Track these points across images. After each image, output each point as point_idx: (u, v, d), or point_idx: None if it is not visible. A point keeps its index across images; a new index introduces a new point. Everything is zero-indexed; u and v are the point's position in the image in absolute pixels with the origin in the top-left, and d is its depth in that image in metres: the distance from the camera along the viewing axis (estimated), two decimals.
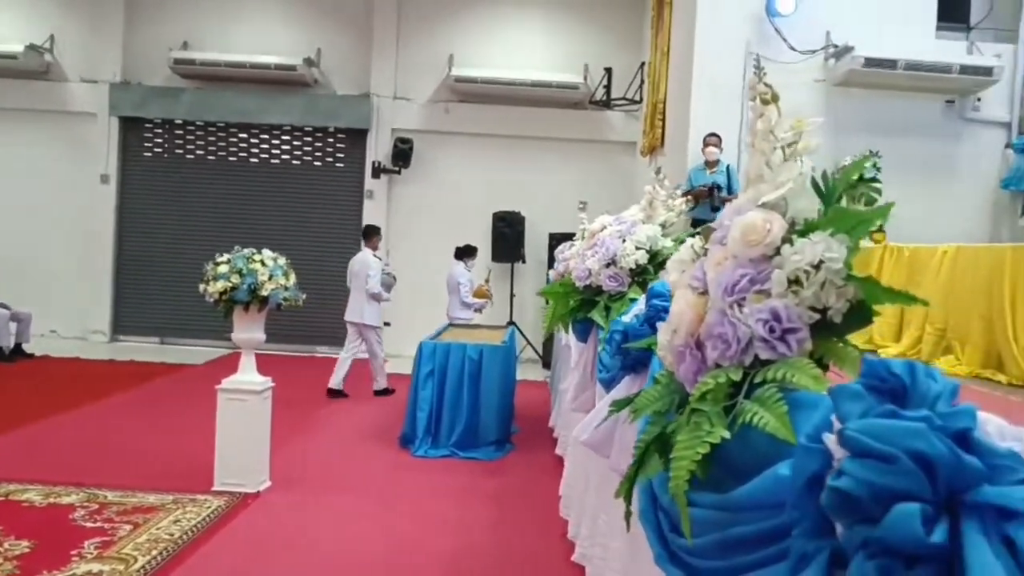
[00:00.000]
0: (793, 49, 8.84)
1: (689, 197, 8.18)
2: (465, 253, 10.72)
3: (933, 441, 0.72)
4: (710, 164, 8.44)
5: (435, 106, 13.30)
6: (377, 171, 13.17)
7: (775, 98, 1.60)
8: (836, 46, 8.74)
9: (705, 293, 1.53)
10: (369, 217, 13.19)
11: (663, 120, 10.56)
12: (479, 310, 10.62)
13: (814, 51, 8.90)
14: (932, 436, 0.73)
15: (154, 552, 4.46)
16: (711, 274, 1.52)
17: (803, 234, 1.45)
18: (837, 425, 0.84)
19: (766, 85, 1.61)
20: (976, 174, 9.03)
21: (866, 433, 0.76)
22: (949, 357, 5.64)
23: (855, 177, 7.99)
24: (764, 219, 1.46)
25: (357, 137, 13.38)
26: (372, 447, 7.28)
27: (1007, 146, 8.95)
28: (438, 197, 13.30)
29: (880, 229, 7.98)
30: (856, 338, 4.75)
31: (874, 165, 8.07)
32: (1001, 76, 8.62)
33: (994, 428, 0.79)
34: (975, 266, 5.64)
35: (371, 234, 9.86)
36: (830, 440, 0.83)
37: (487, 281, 11.00)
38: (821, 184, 1.54)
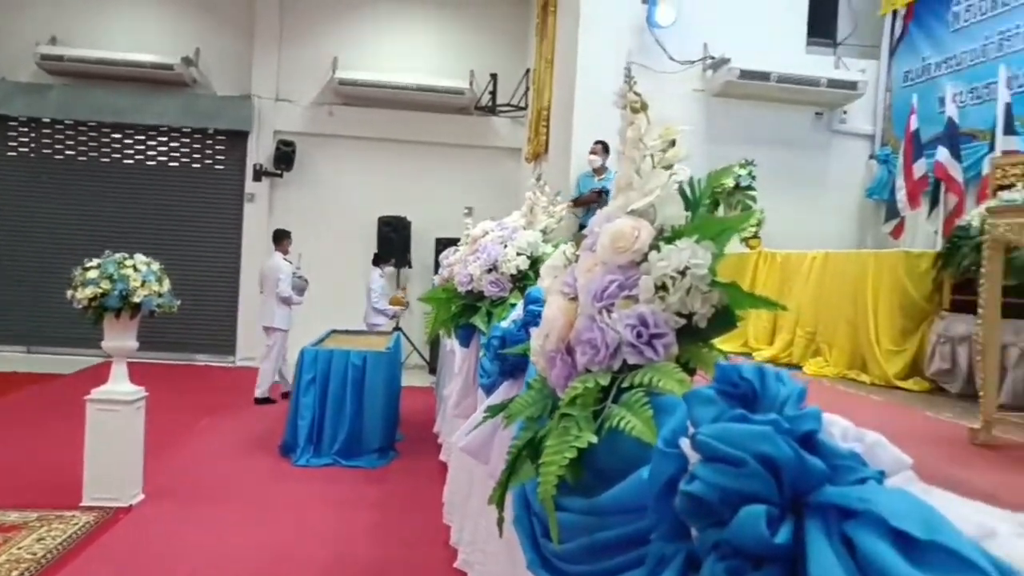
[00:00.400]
0: (673, 60, 9.06)
1: (571, 203, 8.32)
2: (380, 259, 10.78)
3: (779, 444, 0.74)
4: (597, 171, 8.56)
5: (319, 108, 13.09)
6: (258, 174, 12.87)
7: (644, 107, 1.63)
8: (713, 58, 9.00)
9: (576, 299, 1.55)
10: (250, 221, 12.88)
11: (547, 127, 10.67)
12: (394, 316, 10.55)
13: (693, 62, 9.14)
14: (778, 439, 0.75)
15: (14, 574, 4.23)
16: (581, 280, 1.54)
17: (670, 241, 1.48)
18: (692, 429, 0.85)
19: (635, 94, 1.64)
20: (843, 183, 9.44)
21: (716, 437, 0.77)
22: (818, 359, 5.87)
23: (731, 185, 8.27)
24: (633, 226, 1.48)
25: (237, 139, 13.04)
26: (251, 457, 7.10)
27: (871, 157, 9.40)
28: (322, 201, 13.08)
29: (755, 235, 8.27)
30: (732, 342, 4.95)
31: (749, 173, 8.33)
32: (865, 90, 9.05)
33: (838, 430, 0.82)
34: (842, 272, 5.88)
35: (281, 238, 9.84)
36: (685, 444, 0.84)
37: (403, 288, 10.90)
38: (688, 192, 1.57)
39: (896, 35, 9.33)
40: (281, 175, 12.90)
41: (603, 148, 8.56)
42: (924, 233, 7.69)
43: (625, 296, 1.44)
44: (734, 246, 8.23)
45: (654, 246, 1.46)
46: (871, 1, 9.84)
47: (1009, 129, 6.38)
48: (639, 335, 1.39)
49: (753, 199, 8.27)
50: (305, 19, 13.07)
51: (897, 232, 7.64)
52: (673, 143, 1.59)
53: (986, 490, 2.67)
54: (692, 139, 9.04)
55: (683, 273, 1.41)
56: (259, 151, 12.94)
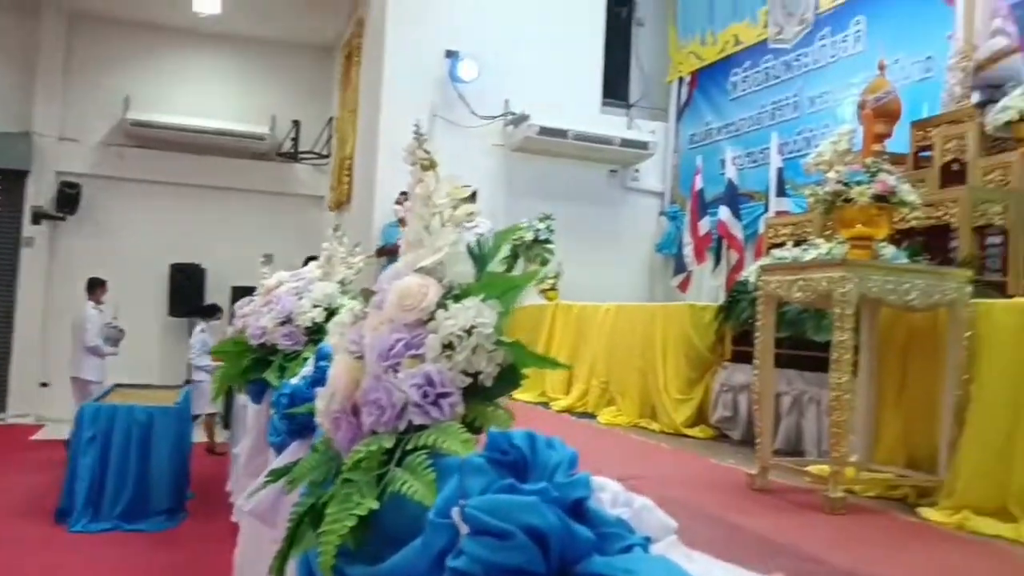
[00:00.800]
0: (475, 114, 9.25)
1: (376, 254, 8.26)
2: (205, 312, 10.25)
3: (546, 515, 0.74)
4: (403, 221, 8.53)
5: (108, 149, 12.39)
6: (38, 217, 11.98)
7: (433, 164, 1.63)
8: (514, 114, 9.25)
9: (363, 357, 1.51)
10: (28, 267, 11.94)
11: (350, 176, 10.60)
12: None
13: (494, 117, 9.37)
14: (546, 509, 0.75)
15: None
16: (368, 338, 1.51)
17: (458, 299, 1.48)
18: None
19: (425, 151, 1.64)
20: (636, 238, 9.90)
21: (483, 509, 0.76)
22: (612, 408, 6.06)
23: (530, 238, 8.47)
24: (420, 284, 1.47)
25: (14, 179, 12.10)
26: (21, 524, 6.51)
27: (661, 213, 9.93)
28: (110, 247, 12.28)
29: (553, 287, 8.50)
30: (530, 391, 4.97)
31: (548, 227, 8.58)
32: (655, 150, 9.57)
33: (608, 495, 0.83)
34: (633, 323, 6.13)
35: (94, 286, 9.48)
36: (456, 515, 0.83)
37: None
38: (477, 250, 1.58)
39: (682, 101, 9.95)
40: (64, 219, 12.08)
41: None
42: (709, 287, 8.16)
43: (412, 355, 1.42)
44: (532, 297, 8.43)
45: (441, 304, 1.46)
46: (660, 68, 10.46)
47: (781, 191, 6.91)
48: (425, 395, 1.37)
49: (551, 252, 8.50)
50: (95, 54, 12.39)
51: (684, 285, 8.06)
52: (463, 201, 1.60)
53: (761, 533, 2.81)
54: (494, 192, 9.30)
55: (469, 332, 1.41)
56: (39, 192, 12.06)
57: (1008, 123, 4.18)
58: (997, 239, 4.31)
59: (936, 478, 3.30)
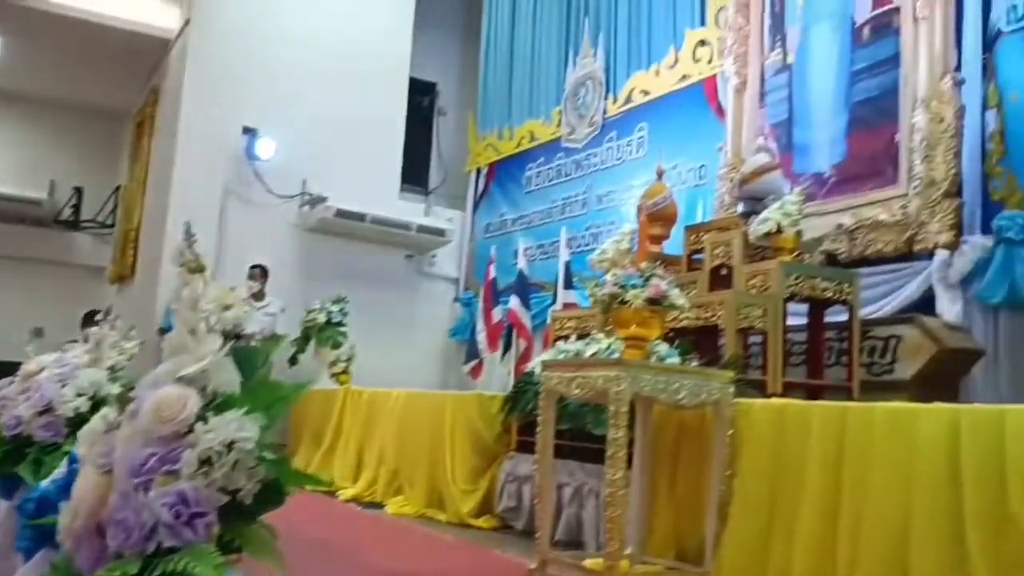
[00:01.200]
0: (271, 193, 9.10)
1: (159, 332, 7.86)
2: None
3: None
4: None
5: None
6: None
7: (201, 267, 1.59)
8: (311, 195, 9.15)
9: (111, 472, 1.43)
10: None
11: (135, 249, 10.10)
12: None
13: (291, 197, 9.24)
14: None
15: None
16: (120, 451, 1.42)
17: (220, 410, 1.43)
18: None
19: (194, 253, 1.60)
20: (431, 323, 9.94)
21: None
22: (400, 497, 5.99)
23: (323, 320, 8.34)
24: (180, 394, 1.41)
25: None
26: None
27: (455, 300, 10.05)
28: None
29: (346, 371, 8.39)
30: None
31: (341, 310, 8.49)
32: (452, 238, 9.73)
33: None
34: (422, 411, 6.13)
35: None
36: None
37: None
38: (243, 358, 1.54)
39: (480, 191, 10.20)
40: None
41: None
42: (499, 374, 8.28)
43: (166, 471, 1.35)
44: (323, 381, 8.27)
45: (201, 417, 1.40)
46: (460, 157, 10.71)
47: (569, 284, 7.16)
48: (178, 515, 1.31)
49: (344, 335, 8.41)
50: None
51: (476, 372, 8.14)
52: (230, 307, 1.56)
53: None
54: (288, 273, 9.13)
55: (230, 447, 1.36)
56: None
57: (768, 233, 4.56)
58: (758, 339, 4.66)
59: (703, 570, 3.45)
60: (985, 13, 5.02)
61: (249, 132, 9.00)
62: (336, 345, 8.37)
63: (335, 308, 8.47)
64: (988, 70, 4.99)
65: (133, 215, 10.38)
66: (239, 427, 1.38)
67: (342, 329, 8.42)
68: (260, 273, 8.32)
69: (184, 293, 1.56)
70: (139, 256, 9.98)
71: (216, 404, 1.45)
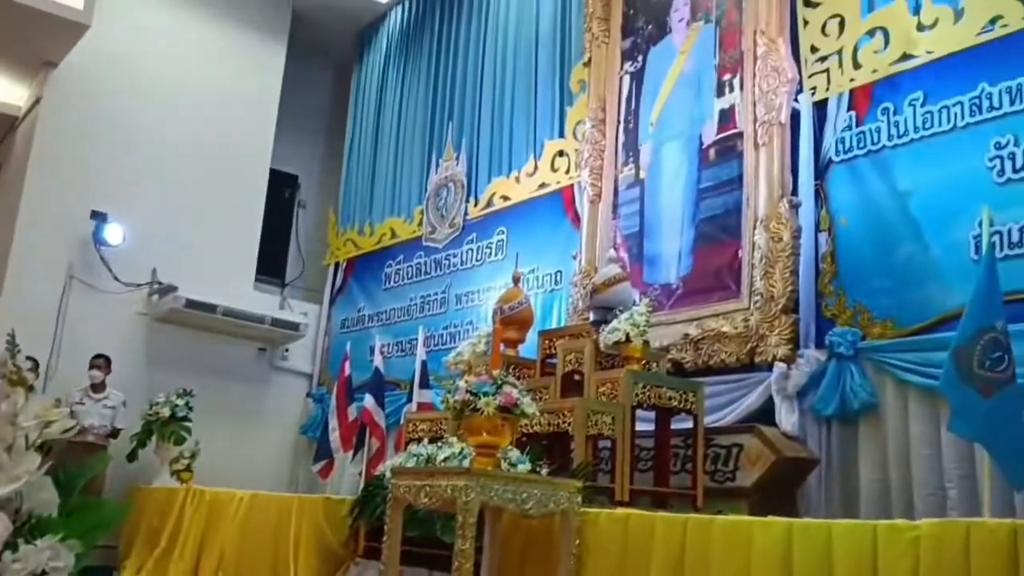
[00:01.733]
0: (117, 280, 8.74)
1: None
2: None
3: None
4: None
5: None
6: None
7: (23, 381, 1.50)
8: (161, 283, 8.85)
9: None
10: None
11: None
12: None
13: (139, 285, 8.90)
14: None
15: None
16: None
17: (34, 535, 1.34)
18: None
19: (15, 365, 1.51)
20: (281, 419, 9.66)
21: None
22: None
23: (167, 415, 7.99)
24: None
25: None
26: None
27: (308, 395, 9.81)
28: None
29: (188, 468, 7.99)
30: None
31: (187, 404, 8.15)
32: (307, 332, 9.55)
33: None
34: (267, 514, 5.90)
35: None
36: None
37: None
38: (63, 476, 1.45)
39: (337, 285, 10.11)
40: None
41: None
42: (350, 475, 8.09)
43: None
44: (164, 479, 7.86)
45: (11, 544, 1.31)
46: (319, 250, 10.62)
47: (424, 383, 7.11)
48: None
49: (188, 430, 8.06)
50: None
51: (325, 472, 7.90)
52: (52, 423, 1.48)
53: None
54: (133, 363, 8.71)
55: None
56: None
57: (617, 343, 4.69)
58: (608, 443, 4.74)
59: None
60: (817, 143, 5.42)
61: (98, 216, 8.68)
62: (179, 441, 7.99)
63: (180, 402, 8.13)
64: (820, 195, 5.37)
65: None
66: (52, 555, 1.29)
67: (187, 424, 8.06)
68: (103, 364, 7.91)
69: (2, 407, 1.47)
70: None
71: (29, 528, 1.36)
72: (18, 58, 8.81)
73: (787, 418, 4.99)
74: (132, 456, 7.92)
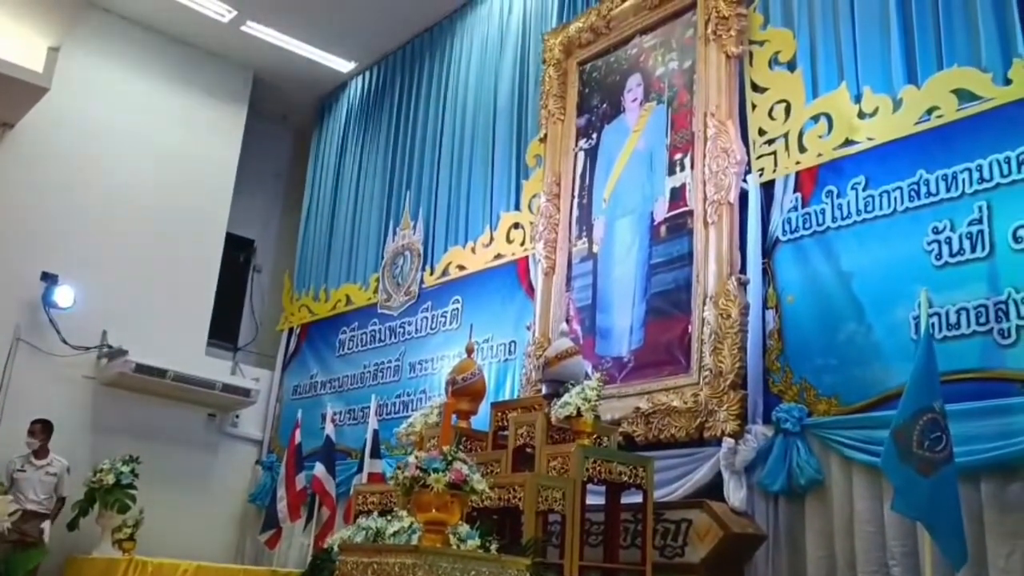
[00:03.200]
0: (66, 343, 8.62)
1: None
2: None
3: None
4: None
5: None
6: None
7: None
8: (111, 347, 8.74)
9: None
10: None
11: None
12: None
13: (88, 348, 8.79)
14: None
15: None
16: None
17: None
18: None
19: None
20: (230, 486, 9.50)
21: None
22: None
23: (111, 482, 7.82)
24: None
25: None
26: None
27: (257, 462, 9.67)
28: None
29: (131, 537, 7.80)
30: None
31: (132, 471, 7.98)
32: (258, 398, 9.45)
33: None
34: None
35: None
36: None
37: None
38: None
39: (291, 351, 10.05)
40: None
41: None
42: (299, 545, 7.96)
43: None
44: (105, 548, 7.66)
45: None
46: (273, 315, 10.57)
47: (376, 452, 7.08)
48: None
49: (133, 498, 7.87)
50: None
51: (273, 542, 7.79)
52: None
53: None
54: (79, 428, 8.53)
55: None
56: None
57: (568, 417, 4.73)
58: (558, 522, 4.74)
59: None
60: (765, 223, 5.58)
61: (48, 278, 8.59)
62: (123, 509, 7.79)
63: (125, 469, 7.95)
64: (768, 273, 5.50)
65: None
66: None
67: (131, 491, 7.88)
68: (41, 428, 7.73)
69: None
70: None
71: None
72: None
73: (735, 493, 5.03)
74: (72, 525, 7.72)
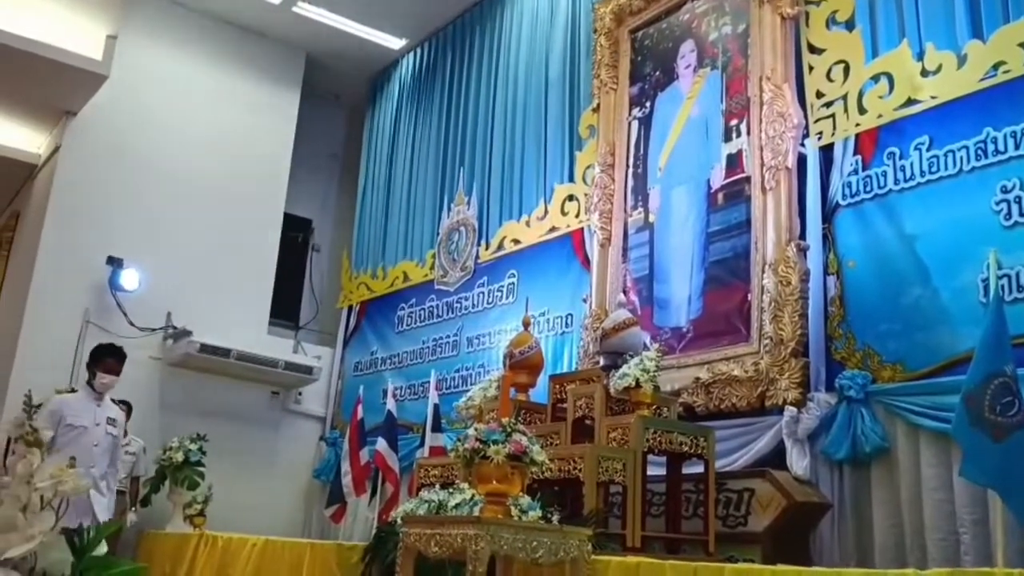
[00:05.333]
0: (133, 325, 8.82)
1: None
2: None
3: None
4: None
5: None
6: None
7: (39, 442, 1.54)
8: (175, 328, 8.92)
9: None
10: None
11: None
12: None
13: (154, 330, 8.98)
14: None
15: None
16: None
17: None
18: None
19: (32, 426, 1.55)
20: (294, 463, 9.66)
21: None
22: None
23: (180, 459, 8.00)
24: None
25: None
26: None
27: (321, 439, 9.82)
28: None
29: (201, 513, 7.98)
30: None
31: (200, 448, 8.16)
32: (320, 376, 9.57)
33: None
34: (280, 559, 5.89)
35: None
36: None
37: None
38: (76, 539, 1.49)
39: (351, 328, 10.17)
40: None
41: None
42: (364, 519, 8.08)
43: None
44: (177, 523, 7.86)
45: None
46: (332, 294, 10.70)
47: (437, 427, 7.13)
48: None
49: (201, 475, 8.06)
50: None
51: (338, 516, 7.90)
52: (66, 482, 1.51)
53: None
54: (148, 408, 8.73)
55: None
56: None
57: (627, 388, 4.71)
58: (620, 489, 4.74)
59: None
60: (824, 187, 5.46)
61: (114, 262, 8.78)
62: (193, 486, 7.99)
63: (193, 446, 8.13)
64: (828, 239, 5.40)
65: None
66: None
67: (200, 468, 8.07)
68: (124, 409, 7.93)
69: (19, 467, 1.51)
70: None
71: None
72: (39, 108, 8.99)
73: (798, 462, 4.97)
74: (145, 501, 7.93)
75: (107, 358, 6.02)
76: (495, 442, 3.48)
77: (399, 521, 4.82)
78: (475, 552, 3.24)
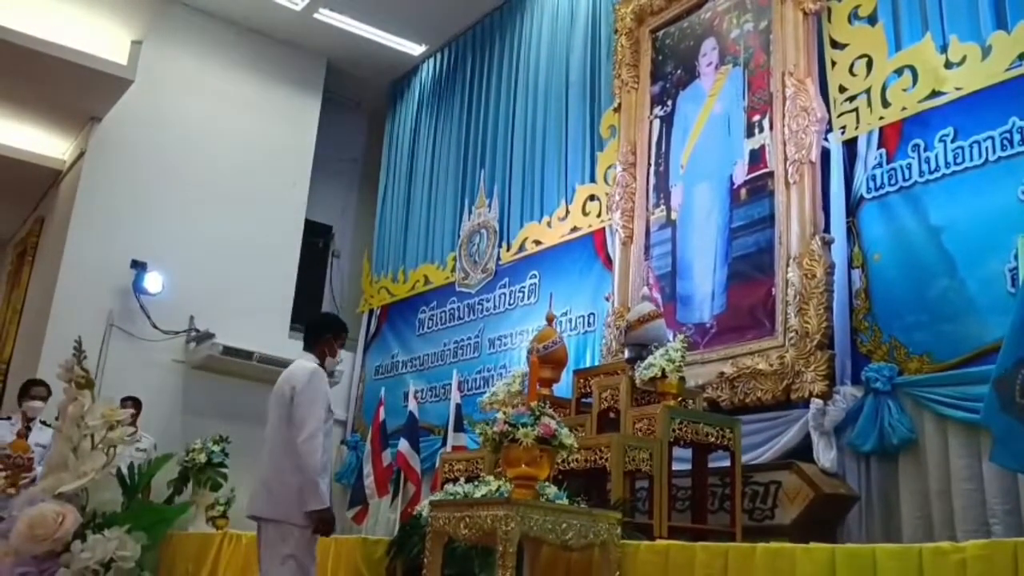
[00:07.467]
0: (156, 328, 8.89)
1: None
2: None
3: None
4: None
5: None
6: None
7: (90, 383, 1.56)
8: (198, 331, 8.99)
9: None
10: None
11: (4, 382, 9.61)
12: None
13: (177, 333, 9.05)
14: None
15: None
16: None
17: (101, 528, 1.38)
18: None
19: (83, 369, 1.57)
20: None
21: None
22: None
23: (203, 460, 8.03)
24: (57, 512, 1.38)
25: None
26: None
27: (342, 442, 9.83)
28: None
29: (224, 515, 8.02)
30: None
31: (222, 450, 8.18)
32: (341, 379, 9.59)
33: None
34: None
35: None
36: None
37: None
38: (127, 478, 1.50)
39: (371, 332, 10.19)
40: None
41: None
42: (386, 519, 8.08)
43: None
44: (199, 524, 7.88)
45: (80, 535, 1.36)
46: (353, 298, 10.73)
47: (459, 427, 7.14)
48: None
49: (224, 476, 8.08)
50: None
51: (360, 518, 7.92)
52: (117, 424, 1.53)
53: None
54: (170, 410, 8.79)
55: (108, 566, 1.31)
56: None
57: (653, 378, 4.70)
58: (645, 483, 4.73)
59: None
60: (848, 181, 5.46)
61: (138, 266, 8.86)
62: (215, 487, 8.03)
63: (216, 448, 8.16)
64: (852, 232, 5.39)
65: (5, 346, 9.94)
66: (120, 545, 1.34)
67: (222, 470, 8.09)
68: (132, 406, 7.97)
69: (69, 409, 1.53)
70: (7, 390, 9.49)
71: (97, 523, 1.40)
72: (64, 113, 9.10)
73: (825, 454, 4.95)
74: (168, 503, 7.95)
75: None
76: (524, 425, 3.49)
77: (424, 513, 4.83)
78: (505, 533, 3.24)
